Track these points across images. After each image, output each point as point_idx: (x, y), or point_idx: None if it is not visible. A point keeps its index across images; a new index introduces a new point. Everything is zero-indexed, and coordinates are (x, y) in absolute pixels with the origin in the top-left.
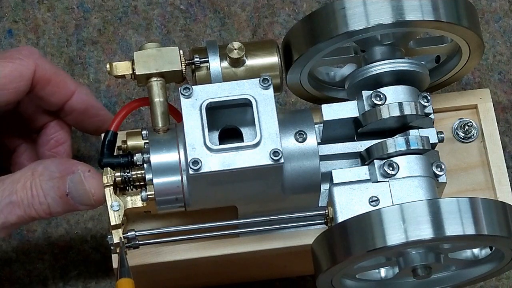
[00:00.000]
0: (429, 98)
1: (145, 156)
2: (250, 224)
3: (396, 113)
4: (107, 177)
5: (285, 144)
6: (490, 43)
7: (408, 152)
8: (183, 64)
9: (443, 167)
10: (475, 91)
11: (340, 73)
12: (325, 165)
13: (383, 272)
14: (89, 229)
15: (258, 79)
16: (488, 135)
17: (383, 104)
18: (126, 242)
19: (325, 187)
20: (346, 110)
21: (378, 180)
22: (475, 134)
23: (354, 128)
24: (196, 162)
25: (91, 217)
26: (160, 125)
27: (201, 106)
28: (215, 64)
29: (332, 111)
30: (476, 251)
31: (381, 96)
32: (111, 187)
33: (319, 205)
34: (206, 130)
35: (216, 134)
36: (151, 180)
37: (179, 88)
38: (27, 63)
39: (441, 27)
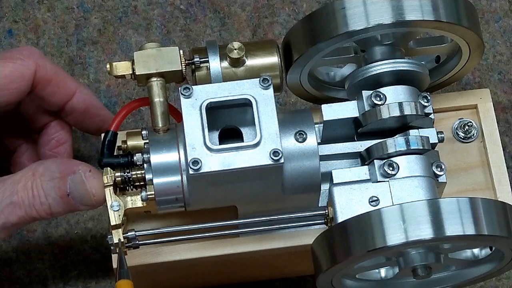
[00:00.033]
0: (429, 98)
1: (145, 156)
2: (250, 224)
3: (396, 113)
4: (107, 177)
5: (285, 144)
6: (490, 43)
7: (408, 152)
8: (183, 64)
9: (443, 167)
10: (475, 91)
11: (340, 73)
12: (325, 165)
13: (383, 272)
14: (89, 229)
15: (258, 79)
16: (488, 135)
17: (383, 104)
18: (126, 242)
19: (325, 187)
20: (346, 110)
21: (378, 180)
22: (475, 134)
23: (354, 128)
24: (196, 162)
25: (91, 217)
26: (160, 125)
27: (201, 106)
28: (215, 64)
29: (332, 111)
30: (476, 251)
31: (381, 96)
32: (111, 187)
33: (319, 205)
34: (206, 130)
35: (216, 134)
36: (151, 180)
37: (179, 88)
38: (27, 63)
39: (441, 27)
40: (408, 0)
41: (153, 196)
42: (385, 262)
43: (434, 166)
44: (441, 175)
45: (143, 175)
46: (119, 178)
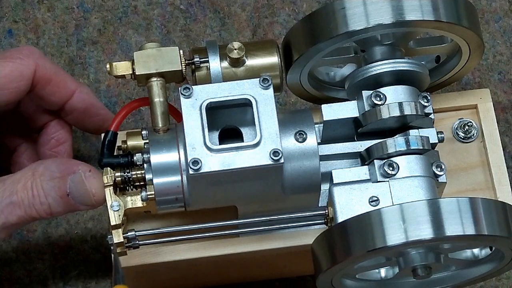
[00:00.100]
0: (429, 98)
1: (145, 156)
2: (250, 224)
3: (396, 113)
4: (107, 177)
5: (285, 144)
6: (490, 43)
7: (408, 152)
8: (183, 64)
9: (443, 167)
10: (475, 91)
11: (340, 73)
12: (325, 165)
13: (383, 272)
14: (89, 229)
15: (258, 79)
16: (488, 135)
17: (383, 104)
18: (126, 242)
19: (325, 187)
20: (346, 110)
21: (378, 180)
22: (475, 134)
23: (354, 128)
24: (196, 162)
25: (91, 217)
26: (160, 125)
27: (201, 106)
28: (215, 64)
29: (332, 111)
30: (476, 251)
31: (381, 96)
32: (111, 187)
33: (319, 205)
34: (206, 130)
35: (216, 134)
36: (151, 180)
37: (179, 88)
38: (27, 63)
39: (441, 27)
40: (408, 0)
41: (153, 196)
42: (385, 262)
43: (434, 166)
44: (441, 175)
45: (143, 175)
46: (119, 178)
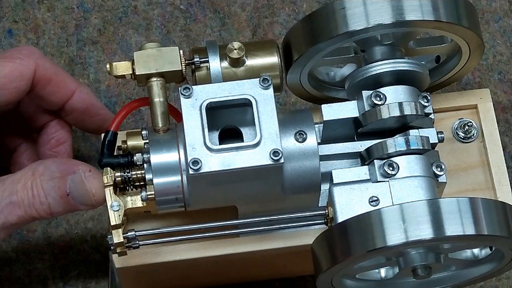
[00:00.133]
0: (429, 98)
1: (145, 156)
2: (250, 224)
3: (396, 113)
4: (107, 177)
5: (285, 144)
6: (490, 43)
7: (408, 152)
8: (183, 64)
9: (443, 167)
10: (475, 91)
11: (340, 73)
12: (325, 165)
13: (383, 272)
14: (89, 229)
15: (258, 79)
16: (488, 135)
17: (383, 104)
18: (126, 242)
19: (325, 187)
20: (346, 110)
21: (378, 180)
22: (475, 134)
23: (354, 128)
24: (196, 162)
25: (91, 217)
26: (160, 125)
27: (201, 106)
28: (215, 64)
29: (332, 111)
30: (476, 251)
31: (381, 96)
32: (111, 187)
33: (319, 205)
34: (206, 130)
35: (216, 134)
36: (151, 180)
37: (179, 88)
38: (27, 63)
39: (441, 27)
40: (408, 0)
41: (153, 196)
42: (385, 262)
43: (434, 166)
44: (441, 175)
45: (143, 175)
46: (119, 178)
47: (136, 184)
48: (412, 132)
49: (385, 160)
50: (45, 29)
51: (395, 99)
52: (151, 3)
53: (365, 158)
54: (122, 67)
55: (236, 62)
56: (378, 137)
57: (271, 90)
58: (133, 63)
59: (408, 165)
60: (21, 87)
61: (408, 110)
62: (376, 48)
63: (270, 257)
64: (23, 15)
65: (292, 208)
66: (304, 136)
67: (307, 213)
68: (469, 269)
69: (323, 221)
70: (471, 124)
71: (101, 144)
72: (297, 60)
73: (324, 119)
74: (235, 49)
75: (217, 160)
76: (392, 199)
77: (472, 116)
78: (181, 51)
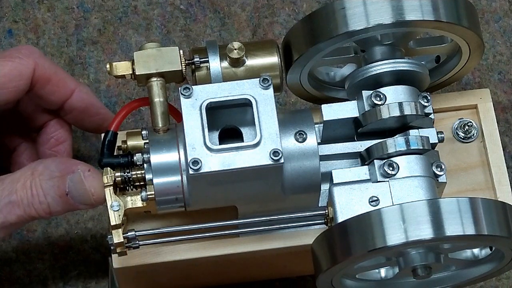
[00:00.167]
0: (429, 98)
1: (145, 156)
2: (250, 224)
3: (396, 113)
4: (107, 177)
5: (285, 144)
6: (490, 43)
7: (408, 152)
8: (183, 64)
9: (443, 167)
10: (475, 91)
11: (340, 73)
12: (325, 165)
13: (383, 272)
14: (89, 229)
15: (258, 79)
16: (488, 135)
17: (383, 104)
18: (126, 242)
19: (325, 187)
20: (346, 110)
21: (378, 180)
22: (475, 134)
23: (354, 128)
24: (196, 162)
25: (91, 217)
26: (160, 125)
27: (201, 106)
28: (215, 64)
29: (332, 111)
30: (476, 251)
31: (381, 96)
32: (111, 187)
33: (319, 205)
34: (206, 130)
35: (216, 134)
36: (151, 180)
37: (179, 88)
38: (26, 62)
39: (441, 27)
40: (408, 0)
41: (153, 196)
42: (385, 262)
43: (434, 166)
44: (441, 175)
45: (143, 175)
46: (119, 178)
47: (136, 184)
48: (412, 132)
49: (385, 160)
50: (45, 29)
51: (395, 99)
52: (151, 3)
53: (365, 158)
54: (122, 67)
55: (236, 62)
56: (378, 137)
57: (271, 90)
58: (133, 63)
59: (408, 165)
60: (20, 86)
61: (408, 110)
62: (376, 48)
63: (270, 257)
64: (23, 15)
65: (292, 208)
66: (304, 136)
67: (307, 213)
68: (469, 269)
69: (323, 221)
70: (471, 124)
71: (101, 144)
72: (297, 60)
73: (324, 119)
74: (235, 49)
75: (217, 160)
76: (392, 199)
77: (472, 116)
78: (181, 51)
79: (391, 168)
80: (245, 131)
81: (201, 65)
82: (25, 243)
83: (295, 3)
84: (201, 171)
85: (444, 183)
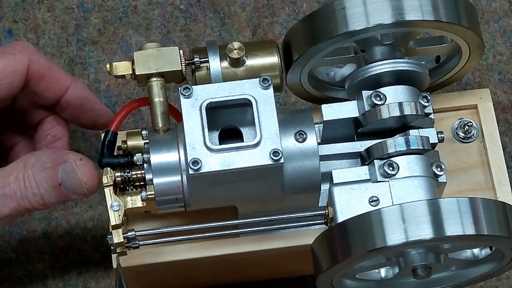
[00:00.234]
0: (429, 98)
1: (145, 156)
2: (250, 224)
3: (396, 113)
4: (107, 177)
5: (285, 144)
6: (490, 43)
7: (408, 152)
8: (183, 64)
9: (443, 167)
10: (475, 91)
11: (340, 73)
12: (325, 165)
13: (383, 272)
14: (89, 229)
15: (258, 79)
16: (488, 135)
17: (383, 104)
18: (126, 242)
19: (325, 187)
20: (346, 110)
21: (378, 180)
22: (475, 134)
23: (354, 128)
24: (196, 162)
25: (91, 217)
26: (160, 125)
27: (201, 106)
28: (215, 64)
29: (332, 111)
30: (476, 251)
31: (381, 96)
32: (111, 187)
33: (319, 205)
34: (206, 130)
35: (216, 134)
36: (151, 180)
37: (179, 88)
38: (20, 58)
39: (441, 27)
40: (408, 0)
41: (153, 196)
42: (385, 262)
43: (434, 166)
44: (441, 175)
45: (143, 175)
46: (119, 178)
47: (136, 184)
48: (412, 132)
49: (385, 160)
50: (45, 29)
51: (395, 99)
52: (151, 3)
53: (365, 158)
54: (122, 67)
55: (236, 62)
56: (378, 137)
57: (271, 90)
58: (133, 63)
59: (408, 165)
60: (15, 82)
61: (408, 110)
62: (376, 48)
63: (270, 257)
64: (23, 15)
65: (292, 208)
66: (304, 136)
67: (307, 213)
68: (469, 269)
69: (323, 221)
70: (471, 124)
71: (101, 144)
72: (297, 60)
73: (324, 119)
74: (235, 49)
75: (217, 160)
76: (392, 199)
77: (472, 116)
78: (181, 51)
79: (391, 168)
80: (245, 131)
81: (201, 65)
82: (25, 243)
83: (295, 3)
84: (201, 171)
85: (444, 183)
